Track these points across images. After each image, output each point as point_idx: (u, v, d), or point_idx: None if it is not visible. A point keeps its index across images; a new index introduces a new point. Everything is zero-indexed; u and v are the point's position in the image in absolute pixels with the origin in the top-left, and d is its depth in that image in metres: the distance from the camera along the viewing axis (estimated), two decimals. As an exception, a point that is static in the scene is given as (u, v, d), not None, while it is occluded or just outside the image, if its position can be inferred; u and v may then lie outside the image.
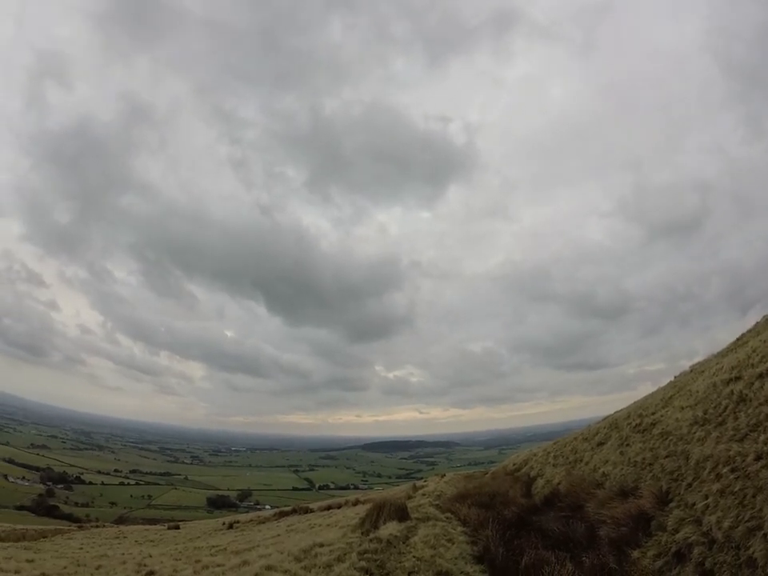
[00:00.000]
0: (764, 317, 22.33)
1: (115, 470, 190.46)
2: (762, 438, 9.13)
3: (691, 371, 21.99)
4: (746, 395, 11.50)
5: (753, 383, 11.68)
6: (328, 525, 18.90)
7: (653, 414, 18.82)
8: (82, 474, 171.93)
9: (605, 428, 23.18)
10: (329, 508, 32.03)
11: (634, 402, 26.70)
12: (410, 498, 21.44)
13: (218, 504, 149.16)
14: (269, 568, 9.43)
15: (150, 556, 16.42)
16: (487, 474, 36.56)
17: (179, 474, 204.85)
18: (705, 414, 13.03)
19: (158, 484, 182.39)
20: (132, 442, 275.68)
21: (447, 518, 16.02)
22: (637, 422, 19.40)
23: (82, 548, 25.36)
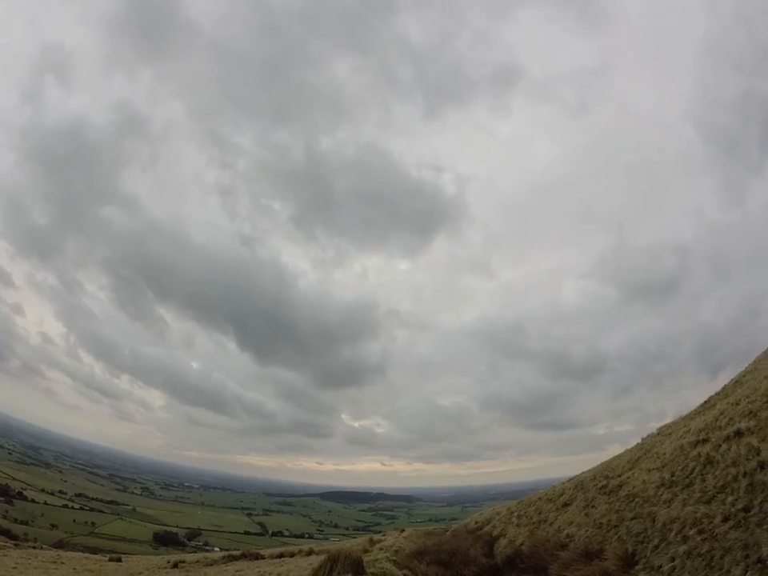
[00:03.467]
0: (732, 380, 22.52)
1: (60, 491, 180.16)
2: (730, 499, 8.92)
3: (659, 433, 21.92)
4: (714, 457, 11.36)
5: (720, 445, 11.55)
6: (279, 574, 18.02)
7: (619, 475, 18.59)
8: (25, 489, 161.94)
9: (570, 489, 22.84)
10: (281, 556, 30.70)
11: (601, 463, 26.47)
12: (366, 551, 20.52)
13: (165, 540, 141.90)
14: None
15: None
16: (448, 531, 35.62)
17: (127, 504, 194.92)
18: (672, 476, 12.85)
19: (104, 512, 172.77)
20: (81, 464, 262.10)
21: (405, 575, 15.30)
22: (603, 483, 19.13)
23: (16, 567, 23.90)
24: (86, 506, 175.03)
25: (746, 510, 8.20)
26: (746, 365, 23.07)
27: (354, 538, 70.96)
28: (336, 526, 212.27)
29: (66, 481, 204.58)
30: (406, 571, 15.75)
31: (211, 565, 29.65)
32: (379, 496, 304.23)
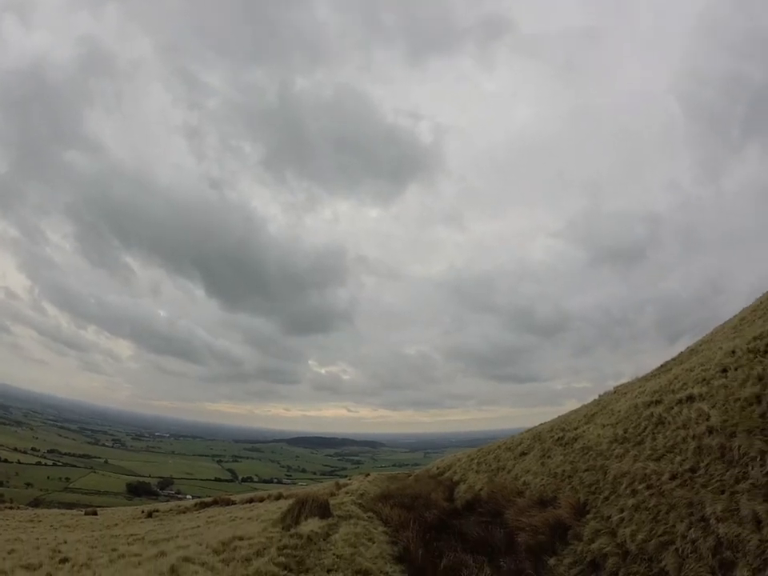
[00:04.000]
0: (688, 348, 23.46)
1: (32, 449, 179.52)
2: (678, 459, 9.56)
3: (615, 392, 22.87)
4: (665, 418, 12.00)
5: (672, 408, 12.18)
6: (249, 518, 18.55)
7: (575, 429, 19.50)
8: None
9: (528, 439, 23.82)
10: (251, 501, 31.49)
11: (559, 417, 27.53)
12: (333, 495, 21.32)
13: (138, 491, 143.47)
14: (186, 560, 9.13)
15: (65, 542, 15.58)
16: (411, 476, 36.92)
17: (99, 457, 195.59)
18: (625, 432, 13.59)
19: (77, 466, 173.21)
20: (51, 420, 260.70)
21: (369, 517, 16.05)
22: (559, 435, 20.06)
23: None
24: (58, 461, 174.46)
25: (693, 470, 8.84)
26: (704, 335, 23.97)
27: (321, 482, 72.83)
28: (304, 471, 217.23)
29: (37, 438, 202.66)
30: (370, 513, 16.55)
31: (184, 512, 30.28)
32: (345, 441, 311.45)
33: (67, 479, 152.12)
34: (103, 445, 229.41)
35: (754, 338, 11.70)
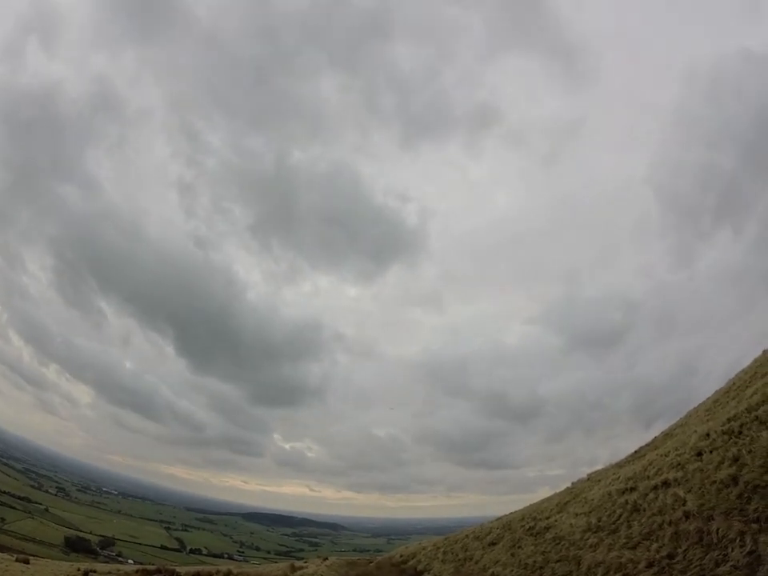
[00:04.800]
0: (662, 432, 23.31)
1: None
2: (655, 546, 9.20)
3: (588, 479, 22.43)
4: (640, 505, 11.72)
5: (647, 494, 11.90)
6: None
7: (547, 518, 18.85)
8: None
9: (498, 528, 22.97)
10: (198, 574, 29.50)
11: (530, 505, 26.81)
12: (289, 578, 20.02)
13: (77, 546, 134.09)
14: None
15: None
16: (372, 562, 35.32)
17: (40, 503, 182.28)
18: (599, 521, 13.13)
19: (15, 508, 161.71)
20: None
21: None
22: (531, 524, 19.35)
23: None
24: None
25: (671, 557, 8.44)
26: (678, 419, 23.88)
27: (276, 562, 68.82)
28: (257, 549, 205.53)
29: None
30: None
31: (123, 578, 28.29)
32: (304, 521, 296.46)
33: (3, 519, 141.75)
34: (46, 491, 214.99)
35: (728, 420, 11.57)
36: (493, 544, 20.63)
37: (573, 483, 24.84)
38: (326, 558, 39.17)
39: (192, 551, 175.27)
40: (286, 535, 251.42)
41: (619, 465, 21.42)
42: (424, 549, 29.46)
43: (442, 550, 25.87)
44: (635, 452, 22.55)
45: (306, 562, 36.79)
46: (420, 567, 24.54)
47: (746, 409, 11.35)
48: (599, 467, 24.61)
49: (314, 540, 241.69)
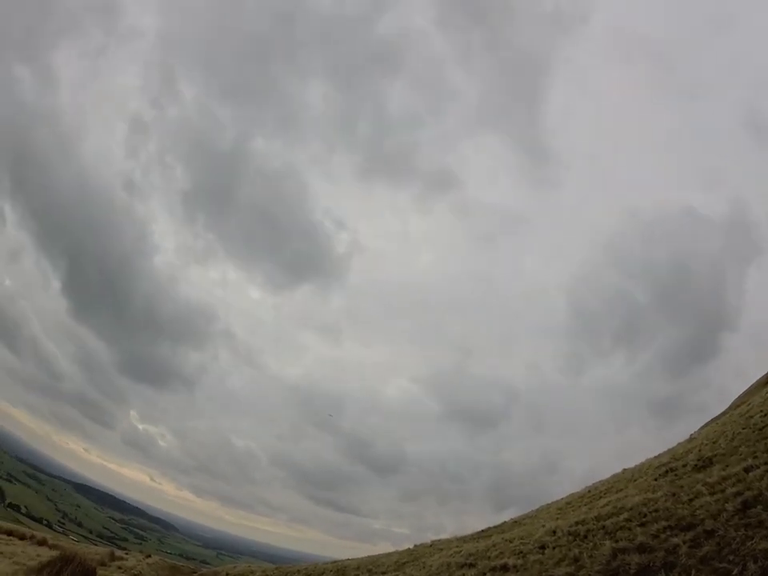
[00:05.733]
0: (512, 518, 24.20)
1: None
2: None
3: (431, 545, 22.76)
4: (475, 583, 12.00)
5: (485, 573, 12.19)
6: (2, 553, 16.02)
7: (383, 573, 18.99)
8: None
9: (332, 571, 22.88)
10: (10, 533, 27.29)
11: (369, 556, 26.78)
12: (103, 565, 18.95)
13: None
14: None
15: None
16: (196, 573, 34.25)
17: None
18: (432, 588, 13.39)
19: None
20: None
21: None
22: (365, 575, 19.46)
23: None
24: None
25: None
26: (530, 510, 24.99)
27: (96, 545, 64.42)
28: (80, 525, 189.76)
29: None
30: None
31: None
32: (136, 510, 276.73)
33: None
34: None
35: (577, 523, 12.27)
36: (323, 585, 20.54)
37: (415, 545, 25.16)
38: (150, 556, 37.28)
39: (11, 505, 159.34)
40: (114, 519, 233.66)
41: (464, 539, 21.89)
42: (252, 573, 28.76)
43: (270, 578, 25.41)
44: (482, 531, 23.17)
45: (127, 554, 35.02)
46: (244, 591, 23.97)
47: (596, 517, 12.16)
48: (444, 536, 25.16)
49: (141, 533, 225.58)
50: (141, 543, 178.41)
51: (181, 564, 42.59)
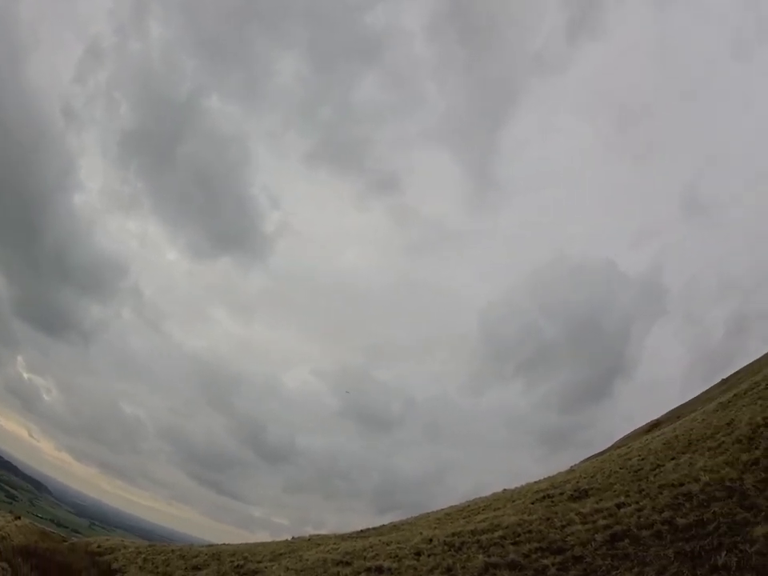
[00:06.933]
0: (392, 523, 24.77)
1: None
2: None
3: (309, 539, 22.97)
4: (350, 581, 12.23)
5: (359, 573, 12.52)
6: None
7: (259, 562, 18.97)
8: None
9: (207, 555, 22.58)
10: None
11: (246, 543, 26.77)
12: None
13: None
14: None
15: None
16: (67, 542, 32.78)
17: None
18: (307, 582, 13.52)
19: None
20: None
21: (3, 569, 13.44)
22: (240, 562, 19.35)
23: None
24: None
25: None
26: (410, 517, 25.59)
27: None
28: None
29: None
30: (4, 564, 13.85)
31: None
32: (8, 465, 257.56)
33: None
34: None
35: (453, 534, 12.76)
36: (197, 569, 20.17)
37: (293, 538, 25.32)
38: (19, 518, 35.04)
39: None
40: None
41: (343, 537, 22.26)
42: (125, 548, 27.79)
43: (143, 556, 24.61)
44: (361, 531, 23.61)
45: (-6, 513, 32.85)
46: (115, 566, 23.08)
47: (472, 531, 12.67)
48: (324, 532, 25.41)
49: (11, 491, 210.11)
50: (11, 503, 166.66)
51: (51, 531, 40.51)
